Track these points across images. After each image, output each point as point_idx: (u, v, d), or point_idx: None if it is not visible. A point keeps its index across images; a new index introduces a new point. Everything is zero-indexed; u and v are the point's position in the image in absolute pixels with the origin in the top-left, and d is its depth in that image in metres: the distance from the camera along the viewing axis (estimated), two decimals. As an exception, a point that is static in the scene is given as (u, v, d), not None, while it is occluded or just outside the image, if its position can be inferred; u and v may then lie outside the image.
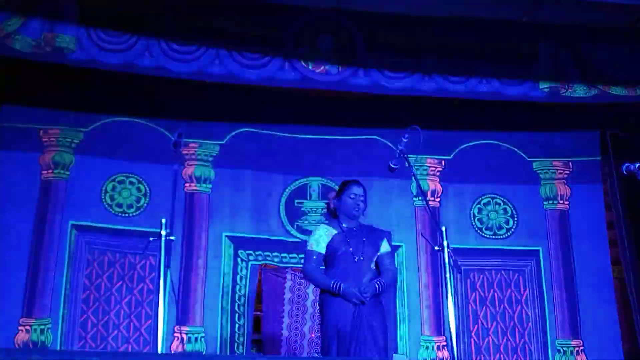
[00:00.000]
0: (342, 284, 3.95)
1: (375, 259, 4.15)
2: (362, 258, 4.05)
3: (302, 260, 4.32)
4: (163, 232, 3.59)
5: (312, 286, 5.70)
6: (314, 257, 4.11)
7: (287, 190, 5.91)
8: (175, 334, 5.41)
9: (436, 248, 3.59)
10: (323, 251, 4.10)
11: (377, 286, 4.01)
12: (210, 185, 5.82)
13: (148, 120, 5.78)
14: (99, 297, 5.39)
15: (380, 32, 5.35)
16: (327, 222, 4.27)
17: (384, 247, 4.20)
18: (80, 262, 5.43)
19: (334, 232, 4.13)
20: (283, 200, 5.89)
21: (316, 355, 5.36)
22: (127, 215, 5.62)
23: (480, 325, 5.81)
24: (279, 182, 5.91)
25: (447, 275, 3.53)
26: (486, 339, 5.78)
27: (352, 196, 4.15)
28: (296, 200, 5.90)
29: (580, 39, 5.49)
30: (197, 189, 5.79)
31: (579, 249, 5.97)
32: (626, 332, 5.78)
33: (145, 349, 5.32)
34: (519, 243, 6.01)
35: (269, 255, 5.72)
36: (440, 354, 5.65)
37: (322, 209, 5.87)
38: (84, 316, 5.33)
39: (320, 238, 4.13)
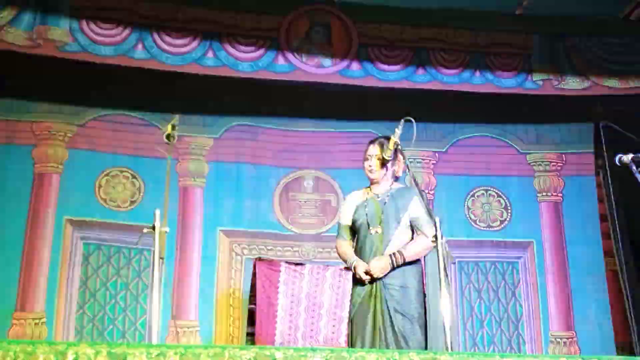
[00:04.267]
0: (355, 262, 3.62)
1: (401, 227, 3.66)
2: (378, 230, 3.66)
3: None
4: (157, 224, 3.57)
5: (307, 279, 5.69)
6: (341, 231, 3.85)
7: (281, 183, 5.91)
8: (170, 329, 5.40)
9: (431, 240, 3.57)
10: (349, 223, 3.81)
11: (392, 260, 3.57)
12: (204, 180, 5.80)
13: (142, 114, 5.76)
14: (94, 291, 5.38)
15: (373, 24, 5.35)
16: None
17: (413, 209, 3.67)
18: (75, 256, 5.41)
19: (359, 201, 3.80)
20: (277, 193, 5.88)
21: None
22: (121, 209, 5.60)
23: (474, 317, 5.83)
24: (272, 175, 5.89)
25: (441, 267, 3.52)
26: (480, 331, 5.80)
27: (366, 157, 3.81)
28: (290, 193, 5.90)
29: (573, 31, 5.51)
30: (191, 183, 5.78)
31: (572, 241, 5.99)
32: (619, 324, 5.79)
33: (140, 344, 5.32)
34: (512, 235, 6.02)
35: (263, 249, 5.71)
36: (434, 346, 5.66)
37: (316, 201, 5.87)
38: (79, 311, 5.32)
39: (347, 209, 3.85)
